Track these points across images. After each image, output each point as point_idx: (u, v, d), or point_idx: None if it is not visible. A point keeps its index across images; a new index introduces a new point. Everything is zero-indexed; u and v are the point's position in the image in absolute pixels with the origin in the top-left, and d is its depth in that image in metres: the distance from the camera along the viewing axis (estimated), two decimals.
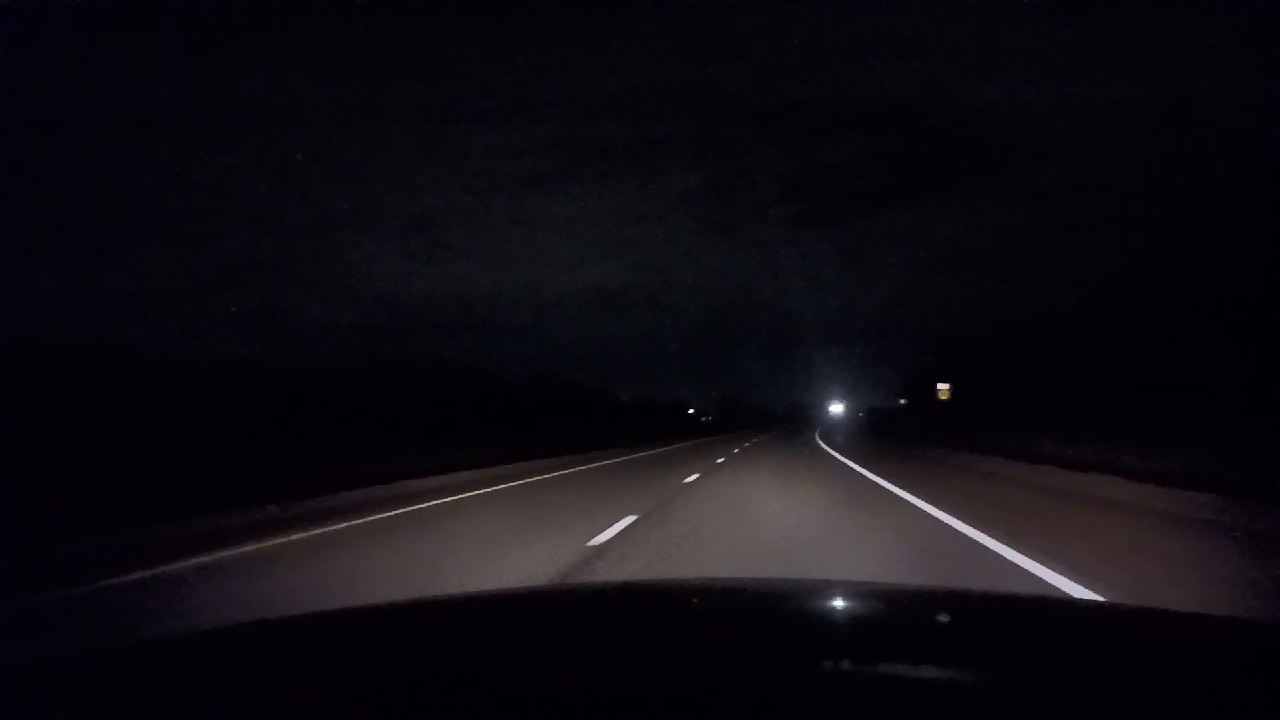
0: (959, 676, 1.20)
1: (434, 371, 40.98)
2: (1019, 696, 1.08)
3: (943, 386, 49.62)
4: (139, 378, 24.28)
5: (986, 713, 1.01)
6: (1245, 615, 4.21)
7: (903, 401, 73.34)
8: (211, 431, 23.20)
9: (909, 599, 2.05)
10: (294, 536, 8.39)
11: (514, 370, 65.37)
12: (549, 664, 1.26)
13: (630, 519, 9.07)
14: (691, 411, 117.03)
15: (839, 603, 1.93)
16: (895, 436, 44.98)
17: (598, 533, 8.00)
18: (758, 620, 1.66)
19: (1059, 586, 5.12)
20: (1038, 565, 5.76)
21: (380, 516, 10.21)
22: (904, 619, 1.72)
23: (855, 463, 20.22)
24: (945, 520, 8.40)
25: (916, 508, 9.72)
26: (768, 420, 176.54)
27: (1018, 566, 5.83)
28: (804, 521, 8.79)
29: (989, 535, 7.17)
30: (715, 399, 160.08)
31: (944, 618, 1.71)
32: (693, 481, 15.04)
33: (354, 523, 9.54)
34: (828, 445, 34.48)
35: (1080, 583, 5.14)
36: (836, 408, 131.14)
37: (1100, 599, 4.65)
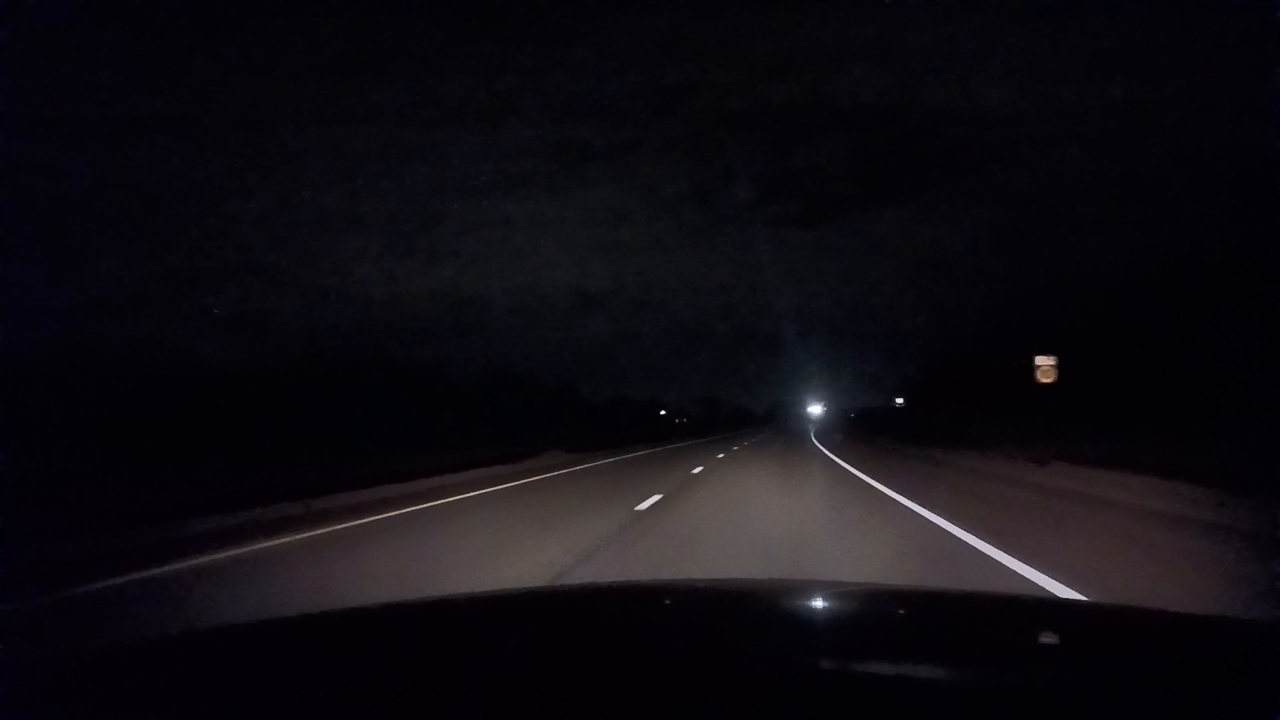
0: (956, 677, 1.22)
1: (375, 373, 38.93)
2: (1008, 696, 1.10)
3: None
4: (109, 379, 24.03)
5: (980, 713, 1.02)
6: (1230, 615, 4.03)
7: (899, 401, 72.31)
8: (211, 432, 23.06)
9: (904, 599, 2.07)
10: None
11: (459, 369, 62.73)
12: (548, 664, 1.29)
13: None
14: (664, 413, 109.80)
15: (836, 603, 1.93)
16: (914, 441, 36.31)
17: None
18: (752, 620, 1.69)
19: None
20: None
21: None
22: (901, 619, 1.75)
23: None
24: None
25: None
26: (749, 422, 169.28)
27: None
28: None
29: None
30: (694, 399, 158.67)
31: (933, 618, 1.72)
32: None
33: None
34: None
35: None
36: (815, 408, 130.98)
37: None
